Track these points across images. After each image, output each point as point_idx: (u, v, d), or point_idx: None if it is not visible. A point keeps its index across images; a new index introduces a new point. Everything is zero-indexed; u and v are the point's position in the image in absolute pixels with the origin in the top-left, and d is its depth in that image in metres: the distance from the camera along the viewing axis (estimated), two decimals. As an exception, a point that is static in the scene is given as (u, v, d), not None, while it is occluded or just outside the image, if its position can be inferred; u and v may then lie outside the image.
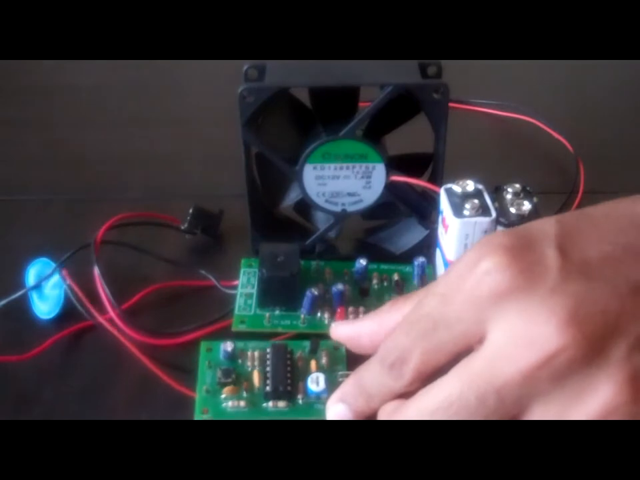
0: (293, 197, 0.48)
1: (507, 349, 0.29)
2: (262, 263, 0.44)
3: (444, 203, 0.42)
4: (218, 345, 0.42)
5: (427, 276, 0.46)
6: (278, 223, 0.50)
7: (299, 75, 0.46)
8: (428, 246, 0.48)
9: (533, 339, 0.29)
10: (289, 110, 0.47)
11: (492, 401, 0.29)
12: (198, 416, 0.39)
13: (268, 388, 0.39)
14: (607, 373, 0.28)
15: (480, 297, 0.30)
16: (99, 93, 0.72)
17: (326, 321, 0.44)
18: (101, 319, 0.43)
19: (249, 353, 0.41)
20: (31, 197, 0.57)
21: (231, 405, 0.39)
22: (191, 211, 0.51)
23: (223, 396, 0.39)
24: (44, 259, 0.46)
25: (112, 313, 0.43)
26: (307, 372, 0.40)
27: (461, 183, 0.43)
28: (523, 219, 0.41)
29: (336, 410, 0.35)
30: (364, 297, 0.45)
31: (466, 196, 0.42)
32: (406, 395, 0.32)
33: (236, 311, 0.44)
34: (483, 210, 0.41)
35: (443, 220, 0.43)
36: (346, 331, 0.38)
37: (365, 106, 0.45)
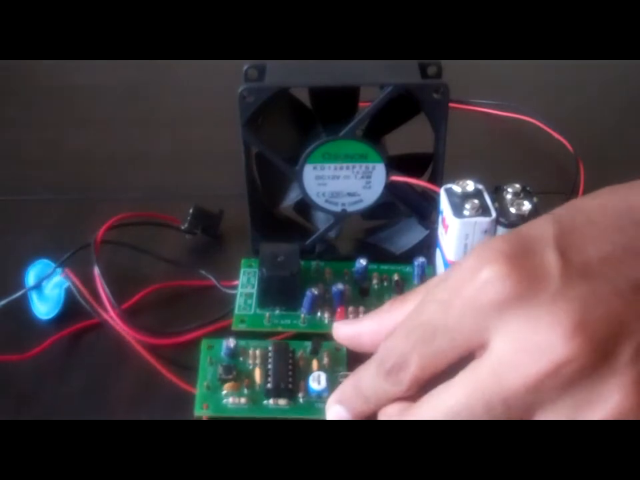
0: (292, 196, 0.48)
1: (513, 358, 0.29)
2: (262, 263, 0.44)
3: (444, 203, 0.42)
4: (219, 343, 0.42)
5: (427, 276, 0.46)
6: (278, 222, 0.50)
7: (298, 75, 0.46)
8: (428, 246, 0.48)
9: (539, 347, 0.28)
10: (289, 110, 0.47)
11: (499, 410, 0.29)
12: (198, 411, 0.39)
13: (269, 385, 0.39)
14: (613, 378, 0.28)
15: (481, 305, 0.30)
16: (99, 93, 0.72)
17: (326, 321, 0.44)
18: (106, 316, 0.43)
19: (251, 351, 0.41)
20: (30, 197, 0.57)
21: (232, 401, 0.39)
22: (191, 211, 0.51)
23: (224, 392, 0.39)
24: (44, 260, 0.46)
25: (112, 313, 0.43)
26: (308, 371, 0.40)
27: (461, 182, 0.43)
28: (523, 218, 0.41)
29: (334, 411, 0.35)
30: (364, 297, 0.45)
31: (466, 196, 0.42)
32: (405, 398, 0.32)
33: (236, 311, 0.44)
34: (483, 210, 0.41)
35: (443, 220, 0.43)
36: (347, 330, 0.38)
37: (365, 106, 0.45)
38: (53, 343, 0.44)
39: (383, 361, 0.33)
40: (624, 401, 0.28)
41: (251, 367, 0.41)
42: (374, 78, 0.46)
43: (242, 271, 0.47)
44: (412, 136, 0.48)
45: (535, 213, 0.42)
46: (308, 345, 0.42)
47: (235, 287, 0.46)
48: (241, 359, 0.41)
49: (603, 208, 0.31)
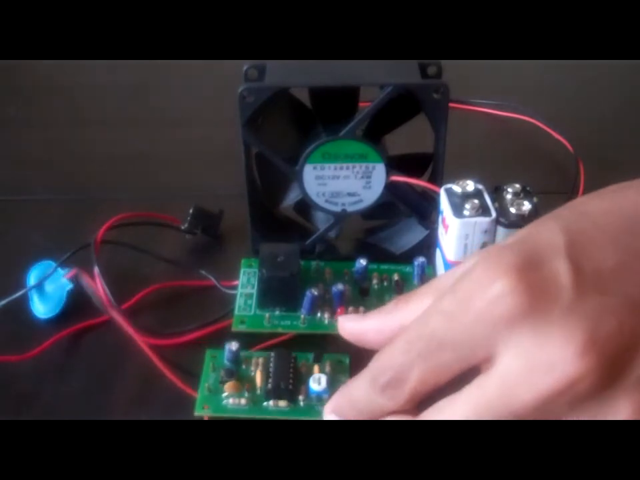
0: (292, 197, 0.48)
1: (524, 374, 0.29)
2: (262, 263, 0.44)
3: (444, 203, 0.42)
4: (222, 353, 0.41)
5: (427, 276, 0.46)
6: (278, 222, 0.50)
7: (298, 75, 0.46)
8: (428, 246, 0.48)
9: (550, 364, 0.28)
10: (289, 110, 0.47)
11: None
12: (198, 411, 0.39)
13: (269, 386, 0.39)
14: (623, 395, 0.28)
15: (491, 319, 0.29)
16: (99, 93, 0.72)
17: (326, 322, 0.44)
18: (110, 315, 0.43)
19: (253, 360, 0.42)
20: (30, 197, 0.57)
21: (232, 402, 0.39)
22: (191, 211, 0.51)
23: (225, 394, 0.40)
24: (47, 262, 0.46)
25: (113, 313, 0.43)
26: (309, 375, 0.40)
27: (461, 183, 0.43)
28: (523, 218, 0.41)
29: (329, 419, 0.35)
30: (364, 297, 0.45)
31: (466, 196, 0.42)
32: (402, 411, 0.32)
33: (236, 311, 0.44)
34: (483, 210, 0.41)
35: (443, 220, 0.43)
36: (351, 327, 0.37)
37: (365, 106, 0.45)
38: (53, 343, 0.44)
39: (378, 374, 0.32)
40: (634, 415, 0.28)
41: (252, 373, 0.41)
42: (374, 78, 0.46)
43: (242, 271, 0.47)
44: (412, 136, 0.48)
45: (534, 213, 0.42)
46: (310, 357, 0.42)
47: (234, 287, 0.46)
48: (244, 366, 0.41)
49: (610, 211, 0.31)
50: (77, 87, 0.72)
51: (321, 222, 0.49)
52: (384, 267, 0.47)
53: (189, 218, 0.51)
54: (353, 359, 0.41)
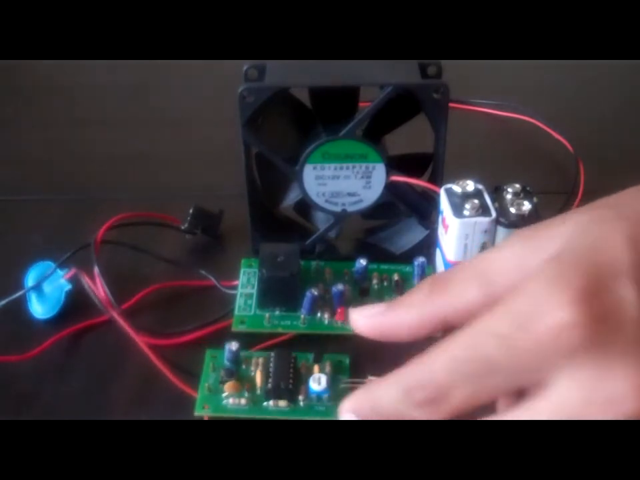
0: (292, 197, 0.48)
1: (581, 406, 0.28)
2: (262, 263, 0.44)
3: (444, 203, 0.42)
4: (222, 353, 0.41)
5: (427, 276, 0.46)
6: (278, 222, 0.50)
7: (298, 75, 0.46)
8: (428, 246, 0.48)
9: (610, 399, 0.27)
10: (289, 110, 0.47)
11: None
12: (198, 411, 0.39)
13: (269, 386, 0.39)
14: None
15: (553, 350, 0.27)
16: (99, 93, 0.72)
17: (326, 322, 0.44)
18: (110, 315, 0.43)
19: (253, 360, 0.42)
20: (30, 197, 0.57)
21: (232, 402, 0.39)
22: (191, 211, 0.51)
23: (225, 394, 0.40)
24: (45, 262, 0.46)
25: (113, 313, 0.43)
26: (309, 375, 0.40)
27: (460, 183, 0.43)
28: (523, 219, 0.41)
29: (347, 418, 0.33)
30: (364, 297, 0.45)
31: (466, 196, 0.42)
32: None
33: (236, 312, 0.44)
34: (483, 210, 0.41)
35: (443, 220, 0.43)
36: (377, 322, 0.33)
37: (365, 106, 0.45)
38: (53, 343, 0.44)
39: (414, 388, 0.30)
40: None
41: (252, 373, 0.41)
42: (374, 78, 0.46)
43: (242, 271, 0.47)
44: (412, 136, 0.48)
45: (534, 213, 0.42)
46: (310, 355, 0.42)
47: (235, 287, 0.46)
48: (244, 366, 0.41)
49: None
50: (76, 87, 0.72)
51: (321, 222, 0.49)
52: (384, 266, 0.47)
53: (189, 218, 0.51)
54: (353, 359, 0.42)
